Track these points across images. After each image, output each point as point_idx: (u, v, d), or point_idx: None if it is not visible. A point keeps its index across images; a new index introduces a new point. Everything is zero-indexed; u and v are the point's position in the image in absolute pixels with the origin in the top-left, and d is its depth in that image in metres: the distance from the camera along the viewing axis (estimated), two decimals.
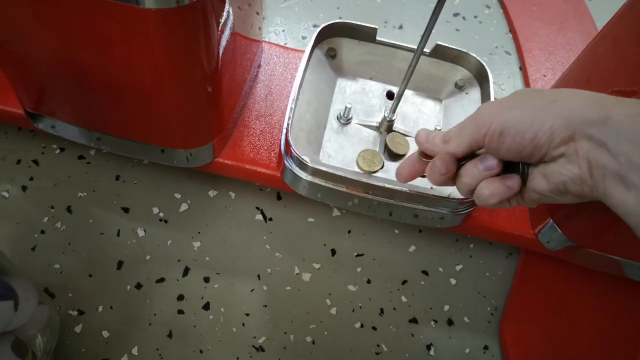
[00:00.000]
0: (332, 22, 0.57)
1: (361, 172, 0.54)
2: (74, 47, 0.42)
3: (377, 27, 0.58)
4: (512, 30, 0.82)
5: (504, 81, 0.77)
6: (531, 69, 0.76)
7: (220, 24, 0.42)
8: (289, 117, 0.51)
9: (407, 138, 0.56)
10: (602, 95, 0.29)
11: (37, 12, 0.39)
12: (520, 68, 0.78)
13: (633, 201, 0.27)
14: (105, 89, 0.46)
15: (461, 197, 0.50)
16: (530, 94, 0.31)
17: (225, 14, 0.42)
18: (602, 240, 0.52)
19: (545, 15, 0.83)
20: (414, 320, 0.57)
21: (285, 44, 0.75)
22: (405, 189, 0.50)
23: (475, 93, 0.59)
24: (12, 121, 0.58)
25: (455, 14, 0.83)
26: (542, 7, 0.84)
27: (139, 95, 0.46)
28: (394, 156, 0.55)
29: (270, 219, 0.61)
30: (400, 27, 0.80)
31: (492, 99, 0.56)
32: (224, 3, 0.42)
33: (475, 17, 0.83)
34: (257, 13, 0.57)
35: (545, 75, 0.76)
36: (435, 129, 0.56)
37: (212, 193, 0.62)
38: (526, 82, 0.76)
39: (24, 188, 0.59)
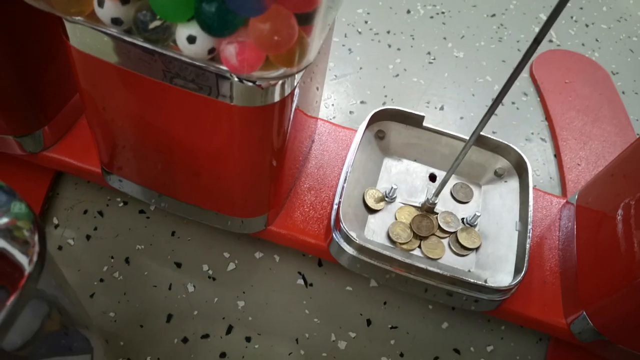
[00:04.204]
0: (384, 107, 0.63)
1: (399, 249, 0.57)
2: (161, 125, 0.47)
3: (424, 115, 0.63)
4: (548, 118, 0.86)
5: (538, 167, 0.80)
6: (566, 157, 0.80)
7: (293, 110, 0.47)
8: (340, 194, 0.56)
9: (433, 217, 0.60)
10: None
11: (136, 95, 0.45)
12: (555, 155, 0.82)
13: None
14: (179, 160, 0.51)
15: (497, 285, 0.53)
16: None
17: (296, 99, 0.48)
18: (635, 339, 0.54)
19: (580, 106, 0.87)
20: None
21: (334, 117, 0.81)
22: (443, 272, 0.53)
23: (514, 182, 0.63)
24: (87, 177, 0.63)
25: None
26: (577, 98, 0.88)
27: (208, 169, 0.51)
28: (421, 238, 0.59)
29: (311, 285, 0.64)
30: (442, 108, 0.85)
31: (530, 189, 0.60)
32: (296, 91, 0.47)
33: (513, 103, 0.88)
34: (317, 89, 0.62)
35: (579, 164, 0.79)
36: (475, 215, 0.59)
37: (258, 255, 0.66)
38: (560, 170, 0.80)
39: (88, 237, 0.64)
